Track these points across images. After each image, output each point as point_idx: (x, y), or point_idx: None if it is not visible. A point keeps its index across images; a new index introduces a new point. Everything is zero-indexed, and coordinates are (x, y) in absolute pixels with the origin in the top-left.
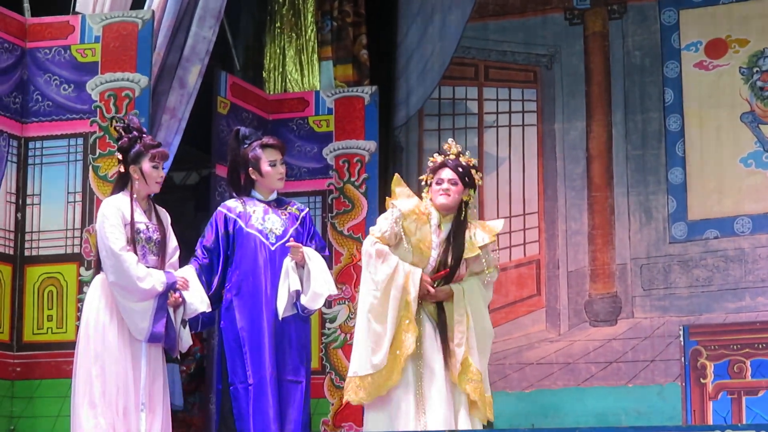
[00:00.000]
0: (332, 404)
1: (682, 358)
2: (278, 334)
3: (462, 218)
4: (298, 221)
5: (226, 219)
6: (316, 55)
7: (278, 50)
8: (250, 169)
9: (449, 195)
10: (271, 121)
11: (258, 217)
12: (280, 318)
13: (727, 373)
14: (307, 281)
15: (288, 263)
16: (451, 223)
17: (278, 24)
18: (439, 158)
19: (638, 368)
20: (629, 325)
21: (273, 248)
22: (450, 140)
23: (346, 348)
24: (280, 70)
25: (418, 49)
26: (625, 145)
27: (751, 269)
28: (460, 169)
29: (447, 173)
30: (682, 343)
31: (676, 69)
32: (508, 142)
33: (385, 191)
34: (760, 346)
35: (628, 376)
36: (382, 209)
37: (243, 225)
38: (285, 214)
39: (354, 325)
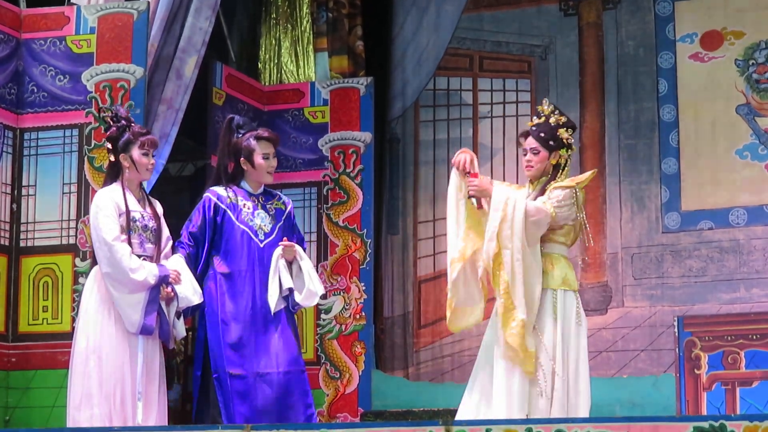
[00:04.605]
0: (327, 395)
1: (677, 349)
2: (270, 329)
3: (550, 181)
4: (284, 216)
5: (216, 207)
6: (311, 47)
7: (273, 41)
8: (242, 159)
9: (532, 166)
10: (267, 112)
11: (248, 212)
12: (272, 312)
13: (722, 364)
14: (298, 279)
15: (278, 259)
16: (537, 189)
17: (273, 15)
18: (535, 121)
19: (628, 357)
20: (619, 314)
21: (262, 245)
22: (545, 100)
23: (341, 339)
24: (276, 61)
25: (413, 40)
26: (618, 135)
27: (746, 260)
28: (543, 135)
29: (529, 141)
30: (677, 333)
31: (670, 60)
32: (503, 133)
33: (380, 182)
34: (755, 337)
35: (618, 365)
36: (378, 200)
37: (233, 218)
38: (272, 209)
39: (349, 316)
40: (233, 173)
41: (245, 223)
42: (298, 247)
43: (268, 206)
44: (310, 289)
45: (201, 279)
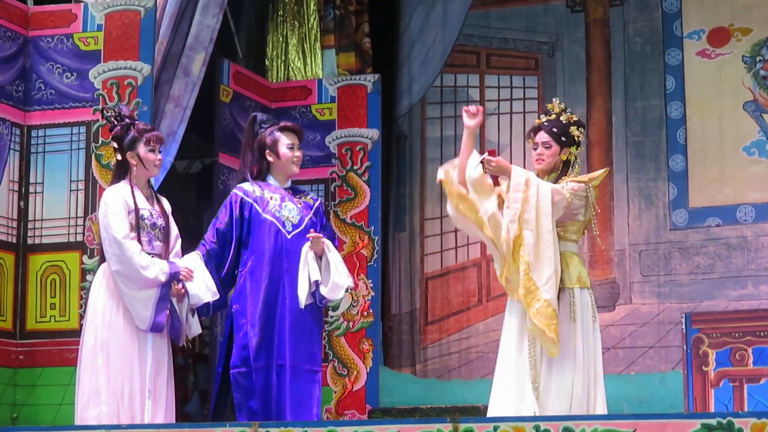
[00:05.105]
0: (335, 392)
1: (684, 346)
2: (296, 322)
3: (561, 177)
4: (312, 211)
5: (242, 202)
6: (318, 44)
7: (281, 38)
8: (267, 151)
9: (543, 160)
10: (274, 110)
11: (275, 204)
12: (302, 306)
13: (729, 361)
14: (326, 272)
15: (307, 252)
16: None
17: (281, 12)
18: (543, 119)
19: (636, 354)
20: (627, 311)
21: (289, 236)
22: (555, 99)
23: (349, 336)
24: (283, 58)
25: (420, 37)
26: (625, 132)
27: (754, 257)
28: (555, 130)
29: (541, 136)
30: (684, 330)
31: (678, 57)
32: (510, 130)
33: (387, 179)
34: (762, 334)
35: (626, 362)
36: (385, 197)
37: (260, 210)
38: (300, 203)
39: (356, 313)
40: (259, 169)
41: (272, 215)
42: (326, 240)
43: (295, 199)
44: (336, 281)
45: (230, 276)
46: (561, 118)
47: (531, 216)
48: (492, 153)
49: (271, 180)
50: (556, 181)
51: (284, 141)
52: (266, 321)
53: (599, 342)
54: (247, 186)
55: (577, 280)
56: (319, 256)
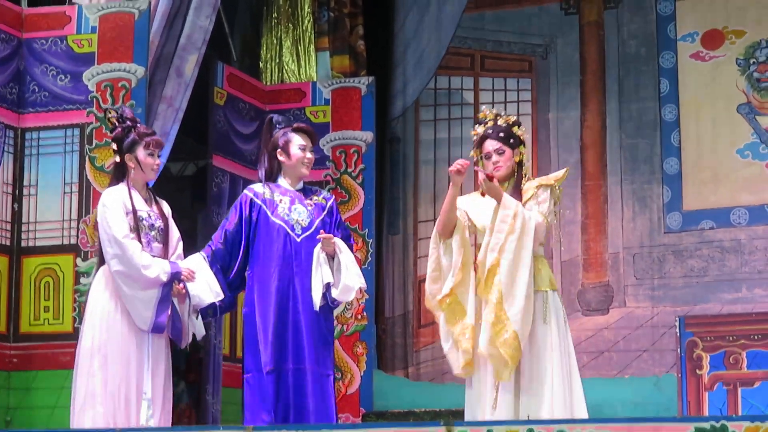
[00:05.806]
0: None
1: (678, 349)
2: (312, 325)
3: (519, 179)
4: (325, 211)
5: (251, 203)
6: (312, 46)
7: (275, 41)
8: (279, 151)
9: (501, 166)
10: (268, 112)
11: (284, 207)
12: (316, 308)
13: (723, 365)
14: (337, 273)
15: (319, 254)
16: (511, 188)
17: (275, 14)
18: (479, 129)
19: (630, 358)
20: (621, 314)
21: (299, 240)
22: (483, 107)
23: (343, 339)
24: (277, 60)
25: (414, 39)
26: (619, 134)
27: (748, 260)
28: (502, 134)
29: (490, 144)
30: (678, 334)
31: (672, 59)
32: None
33: (381, 182)
34: (756, 338)
35: (620, 366)
36: (379, 200)
37: (269, 213)
38: (311, 205)
39: (350, 316)
40: (270, 169)
41: (281, 218)
42: (338, 240)
43: (306, 202)
44: (346, 283)
45: (240, 277)
46: (500, 123)
47: (512, 247)
48: (490, 177)
49: (281, 181)
50: (516, 186)
51: (297, 142)
52: (278, 324)
53: (571, 342)
54: (257, 187)
55: (549, 283)
56: (332, 257)
